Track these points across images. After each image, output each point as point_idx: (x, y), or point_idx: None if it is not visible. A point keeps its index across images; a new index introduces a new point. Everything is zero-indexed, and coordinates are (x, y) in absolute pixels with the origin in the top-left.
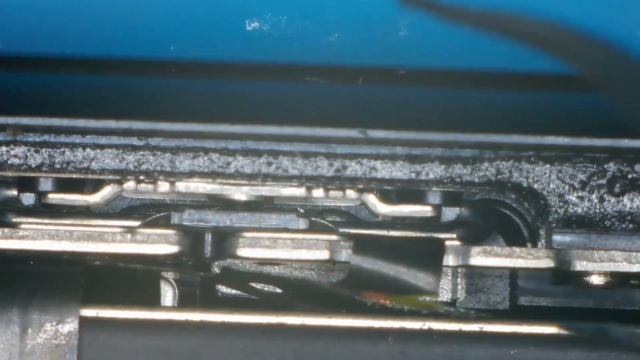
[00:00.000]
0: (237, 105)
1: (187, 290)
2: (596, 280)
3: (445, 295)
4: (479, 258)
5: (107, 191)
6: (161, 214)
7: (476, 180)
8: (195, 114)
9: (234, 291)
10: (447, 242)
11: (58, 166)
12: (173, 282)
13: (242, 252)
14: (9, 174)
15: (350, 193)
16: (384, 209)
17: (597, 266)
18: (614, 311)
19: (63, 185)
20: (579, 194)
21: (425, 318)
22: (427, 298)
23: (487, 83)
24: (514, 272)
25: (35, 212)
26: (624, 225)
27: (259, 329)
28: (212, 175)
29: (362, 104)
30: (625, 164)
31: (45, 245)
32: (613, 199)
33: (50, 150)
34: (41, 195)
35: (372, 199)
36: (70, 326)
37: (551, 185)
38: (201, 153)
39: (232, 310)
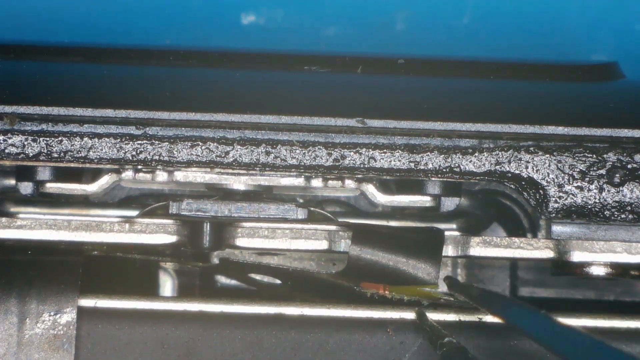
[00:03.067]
0: (235, 94)
1: (186, 281)
2: (596, 271)
3: (444, 286)
4: (479, 248)
5: (105, 181)
6: (159, 203)
7: (475, 170)
8: (193, 103)
9: (233, 282)
10: (447, 233)
11: (56, 155)
12: (172, 272)
13: (241, 242)
14: (7, 163)
15: (350, 183)
16: (383, 199)
17: (597, 257)
18: (614, 302)
19: (61, 175)
20: (579, 184)
21: (425, 309)
22: (427, 288)
23: (486, 72)
24: (514, 263)
25: (33, 201)
26: (623, 216)
27: (258, 319)
28: (211, 164)
29: (361, 93)
30: (625, 154)
31: (43, 234)
32: (613, 189)
33: (47, 139)
34: (39, 184)
35: (371, 189)
36: (68, 316)
37: (551, 176)
38: (199, 142)
39: (230, 300)
